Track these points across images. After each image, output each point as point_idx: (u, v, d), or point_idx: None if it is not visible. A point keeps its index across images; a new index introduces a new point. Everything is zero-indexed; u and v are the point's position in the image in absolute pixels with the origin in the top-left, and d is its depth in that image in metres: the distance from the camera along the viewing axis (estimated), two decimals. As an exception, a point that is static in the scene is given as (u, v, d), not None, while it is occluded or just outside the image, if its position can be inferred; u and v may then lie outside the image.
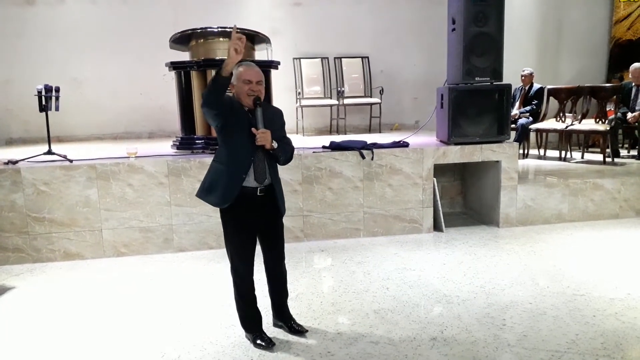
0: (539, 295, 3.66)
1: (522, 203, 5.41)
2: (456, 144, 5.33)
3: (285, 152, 2.98)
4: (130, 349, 3.07)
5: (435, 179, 5.30)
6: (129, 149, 5.06)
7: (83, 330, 3.34)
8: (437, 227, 5.35)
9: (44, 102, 4.98)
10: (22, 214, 4.63)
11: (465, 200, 6.17)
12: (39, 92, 4.96)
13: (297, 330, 3.20)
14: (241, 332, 3.19)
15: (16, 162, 4.83)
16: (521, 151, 6.98)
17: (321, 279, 4.16)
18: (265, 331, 3.11)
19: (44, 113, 5.02)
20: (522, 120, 7.13)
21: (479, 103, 5.35)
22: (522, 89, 7.45)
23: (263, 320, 3.15)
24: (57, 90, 5.05)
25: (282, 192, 3.08)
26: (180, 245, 4.89)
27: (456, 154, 5.31)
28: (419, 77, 8.14)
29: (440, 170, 5.60)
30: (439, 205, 5.34)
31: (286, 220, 4.91)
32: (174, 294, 3.90)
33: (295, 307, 3.54)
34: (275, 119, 3.00)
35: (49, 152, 5.02)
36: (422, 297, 3.69)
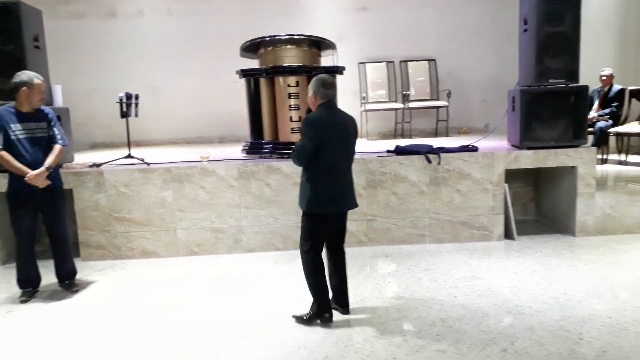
0: (619, 309, 3.45)
1: (601, 211, 5.11)
2: (529, 148, 5.14)
3: None
4: (202, 344, 3.20)
5: (506, 184, 5.13)
6: (202, 153, 5.28)
7: (154, 322, 3.52)
8: (508, 235, 5.17)
9: (124, 109, 5.30)
10: (105, 213, 4.95)
11: (539, 207, 5.91)
12: (121, 100, 5.29)
13: None
14: (307, 334, 3.27)
15: (100, 165, 5.18)
16: (600, 156, 6.60)
17: (386, 284, 4.14)
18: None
19: (124, 119, 5.35)
20: (600, 124, 6.73)
21: (553, 106, 5.13)
22: (601, 90, 7.04)
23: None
24: (137, 97, 5.36)
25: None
26: (249, 246, 5.04)
27: (529, 159, 5.11)
28: (489, 79, 7.89)
29: (511, 175, 5.41)
30: (511, 212, 5.16)
31: (350, 225, 4.95)
32: (243, 293, 4.03)
33: (360, 312, 3.56)
34: None
35: (129, 156, 5.34)
36: (491, 307, 3.59)
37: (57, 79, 5.50)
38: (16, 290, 4.08)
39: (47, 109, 4.08)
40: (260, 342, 3.20)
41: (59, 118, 5.10)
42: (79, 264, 4.80)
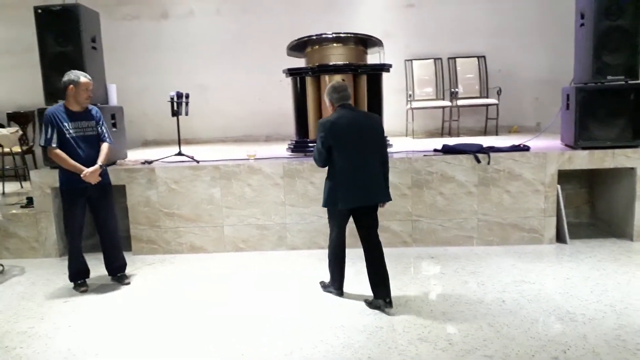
0: (682, 321, 3.26)
1: (662, 215, 4.84)
2: (584, 148, 4.93)
3: None
4: (244, 340, 3.25)
5: (559, 186, 4.94)
6: (248, 151, 5.37)
7: (196, 317, 3.60)
8: (560, 238, 4.98)
9: (175, 108, 5.46)
10: (155, 209, 5.12)
11: (594, 210, 5.67)
12: (172, 99, 5.44)
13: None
14: (350, 334, 3.26)
15: (151, 162, 5.35)
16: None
17: (431, 286, 4.07)
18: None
19: (175, 117, 5.50)
20: (663, 122, 6.37)
21: (611, 104, 4.91)
22: (664, 87, 6.65)
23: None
24: (187, 96, 5.50)
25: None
26: (293, 244, 5.08)
27: (584, 160, 4.91)
28: (541, 76, 7.60)
29: (565, 176, 5.20)
30: (563, 214, 4.96)
31: (394, 225, 4.97)
32: (286, 290, 4.07)
33: (404, 314, 3.52)
34: None
35: (179, 154, 5.49)
36: (541, 313, 3.47)
37: (111, 79, 5.72)
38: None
39: (94, 108, 4.23)
40: (303, 340, 3.23)
41: (113, 117, 5.34)
42: (130, 257, 4.99)
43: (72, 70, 4.09)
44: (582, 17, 5.05)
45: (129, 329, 3.50)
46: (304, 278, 4.32)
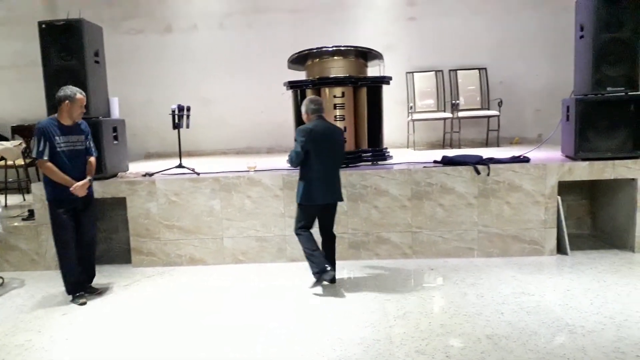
0: (683, 333, 3.22)
1: (664, 226, 4.81)
2: (584, 159, 4.92)
3: None
4: (239, 349, 3.24)
5: (559, 197, 4.92)
6: (249, 163, 5.39)
7: (190, 327, 3.59)
8: (560, 249, 4.95)
9: (176, 120, 5.50)
10: (156, 221, 5.13)
11: (595, 221, 5.63)
12: (173, 111, 5.49)
13: None
14: (347, 346, 3.25)
15: (152, 174, 5.38)
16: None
17: (430, 298, 4.05)
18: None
19: (176, 130, 5.54)
20: (665, 133, 6.34)
21: (611, 115, 4.92)
22: (665, 98, 6.64)
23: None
24: (188, 109, 5.55)
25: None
26: (292, 256, 5.07)
27: (584, 171, 4.89)
28: (542, 88, 7.62)
29: (565, 188, 5.19)
30: (564, 226, 4.94)
31: (394, 236, 4.97)
32: (284, 303, 4.05)
33: (402, 326, 3.50)
34: None
35: (180, 166, 5.51)
36: (541, 325, 3.43)
37: (115, 92, 5.77)
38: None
39: (83, 122, 4.27)
40: (299, 352, 3.21)
41: (114, 129, 5.38)
42: (130, 269, 5.02)
43: (68, 86, 4.14)
44: (582, 29, 5.07)
45: (125, 340, 3.50)
46: (302, 290, 4.30)
